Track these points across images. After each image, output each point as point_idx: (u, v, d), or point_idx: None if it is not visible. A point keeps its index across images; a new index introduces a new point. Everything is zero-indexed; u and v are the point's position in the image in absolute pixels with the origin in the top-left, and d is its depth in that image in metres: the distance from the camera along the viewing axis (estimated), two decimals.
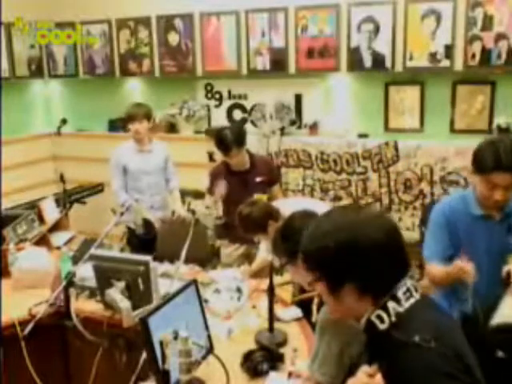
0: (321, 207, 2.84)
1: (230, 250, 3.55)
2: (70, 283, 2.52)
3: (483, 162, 2.24)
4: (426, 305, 1.33)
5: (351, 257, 1.26)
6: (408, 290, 1.30)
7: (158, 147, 4.11)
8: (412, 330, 1.23)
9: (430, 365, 1.19)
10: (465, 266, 2.16)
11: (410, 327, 1.24)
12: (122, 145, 4.10)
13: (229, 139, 3.33)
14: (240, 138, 3.38)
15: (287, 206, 2.85)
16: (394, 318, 1.27)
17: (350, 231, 1.28)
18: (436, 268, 2.35)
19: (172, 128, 5.44)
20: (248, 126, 5.07)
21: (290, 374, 2.02)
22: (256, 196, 3.32)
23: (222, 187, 3.44)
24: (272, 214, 2.88)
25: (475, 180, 2.30)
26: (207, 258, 3.56)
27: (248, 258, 3.45)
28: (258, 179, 3.49)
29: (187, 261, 2.87)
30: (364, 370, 1.30)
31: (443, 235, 2.35)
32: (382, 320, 1.27)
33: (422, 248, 2.47)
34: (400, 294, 1.28)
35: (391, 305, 1.27)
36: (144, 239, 3.83)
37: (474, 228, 2.31)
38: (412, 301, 1.29)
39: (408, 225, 4.59)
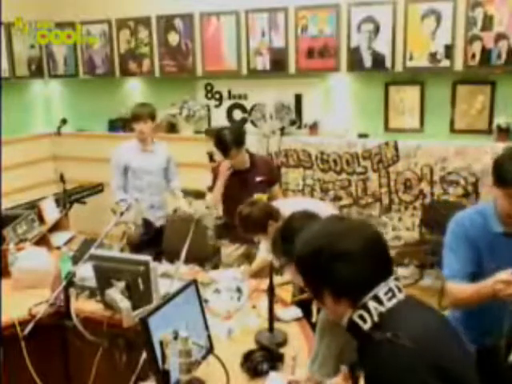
0: (321, 207, 2.85)
1: (230, 250, 3.55)
2: (70, 283, 2.52)
3: (505, 175, 1.96)
4: (411, 305, 1.34)
5: (325, 264, 1.31)
6: (390, 290, 1.31)
7: (159, 147, 4.11)
8: (391, 329, 1.24)
9: (402, 363, 1.20)
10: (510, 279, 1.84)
11: (390, 326, 1.25)
12: (123, 144, 4.09)
13: (228, 139, 3.33)
14: (239, 139, 3.38)
15: (287, 206, 2.85)
16: (376, 318, 1.28)
17: (326, 240, 1.34)
18: (461, 287, 2.08)
19: (172, 128, 5.44)
20: (248, 126, 5.07)
21: (290, 383, 2.01)
22: (256, 196, 3.32)
23: (225, 166, 3.46)
24: (272, 214, 2.88)
25: (496, 193, 2.03)
26: (207, 258, 3.56)
27: (248, 257, 3.45)
28: (258, 179, 3.49)
29: (187, 261, 2.87)
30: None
31: (465, 251, 2.12)
32: (364, 320, 1.29)
33: (442, 266, 2.25)
34: (381, 294, 1.30)
35: (372, 305, 1.29)
36: (144, 239, 3.82)
37: (496, 246, 2.07)
38: (394, 301, 1.30)
39: (408, 225, 4.59)
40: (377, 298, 1.29)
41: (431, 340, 1.27)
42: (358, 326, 1.30)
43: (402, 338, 1.21)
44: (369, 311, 1.29)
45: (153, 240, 3.88)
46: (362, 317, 1.30)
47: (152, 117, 3.98)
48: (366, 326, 1.29)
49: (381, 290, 1.30)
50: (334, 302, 1.34)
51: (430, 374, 1.20)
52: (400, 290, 1.33)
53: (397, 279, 1.36)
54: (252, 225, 2.88)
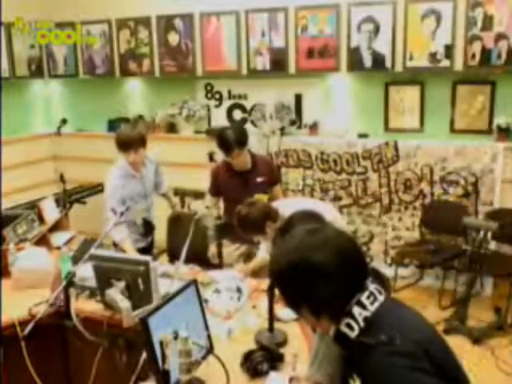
0: (320, 207, 2.85)
1: (231, 250, 3.55)
2: (70, 283, 2.52)
3: None
4: (392, 305, 1.35)
5: (301, 279, 1.29)
6: (371, 293, 1.31)
7: (148, 165, 3.63)
8: (380, 331, 1.24)
9: (397, 363, 1.20)
10: None
11: (378, 329, 1.25)
12: (114, 175, 3.47)
13: (230, 139, 3.33)
14: (242, 139, 3.37)
15: (287, 206, 2.85)
16: (362, 324, 1.28)
17: (300, 254, 1.30)
18: None
19: (172, 128, 5.44)
20: (248, 126, 5.07)
21: (291, 380, 2.01)
22: (256, 196, 3.32)
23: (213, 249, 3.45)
24: (270, 215, 2.88)
25: None
26: (208, 258, 3.56)
27: (249, 257, 3.45)
28: (259, 179, 3.49)
29: (188, 261, 2.87)
30: None
31: None
32: (351, 328, 1.28)
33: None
34: (363, 298, 1.30)
35: (357, 310, 1.29)
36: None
37: None
38: (377, 304, 1.30)
39: (408, 225, 4.59)
40: (360, 303, 1.29)
41: (414, 331, 1.28)
42: (345, 335, 1.29)
43: (394, 339, 1.21)
44: (354, 318, 1.28)
45: (153, 241, 3.85)
46: (348, 325, 1.29)
47: (143, 142, 3.40)
48: (353, 334, 1.28)
49: (363, 295, 1.30)
50: (314, 318, 1.33)
51: (420, 363, 1.22)
52: (380, 293, 1.33)
53: (373, 281, 1.36)
54: (250, 225, 2.89)
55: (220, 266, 3.42)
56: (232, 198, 3.38)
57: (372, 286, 1.32)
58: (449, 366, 1.30)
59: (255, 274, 3.12)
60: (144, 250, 3.55)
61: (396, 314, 1.33)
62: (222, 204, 3.68)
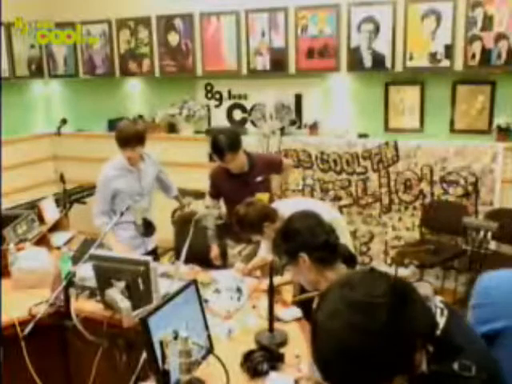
0: (320, 207, 2.85)
1: (236, 251, 3.54)
2: (70, 283, 2.52)
3: None
4: (454, 317, 1.19)
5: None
6: (441, 310, 1.17)
7: (148, 163, 3.57)
8: (452, 354, 1.10)
9: None
10: None
11: (449, 352, 1.10)
12: (108, 167, 3.47)
13: (222, 144, 3.26)
14: (234, 143, 3.29)
15: (287, 206, 2.85)
16: (431, 348, 1.10)
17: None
18: None
19: (172, 128, 5.44)
20: (248, 126, 5.08)
21: (296, 381, 2.00)
22: (257, 195, 3.31)
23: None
24: (268, 216, 2.87)
25: None
26: (211, 260, 3.55)
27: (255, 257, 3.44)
28: (259, 179, 3.47)
29: (189, 261, 2.87)
30: None
31: None
32: (427, 351, 1.10)
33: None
34: (438, 318, 1.14)
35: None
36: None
37: None
38: (444, 319, 1.15)
39: (408, 225, 4.59)
40: (436, 324, 1.14)
41: (482, 351, 1.16)
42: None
43: (469, 368, 1.07)
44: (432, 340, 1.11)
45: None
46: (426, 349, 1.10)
47: (141, 140, 3.35)
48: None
49: (437, 315, 1.15)
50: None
51: None
52: (445, 305, 1.19)
53: (435, 292, 1.23)
54: (248, 226, 2.88)
55: (224, 267, 3.41)
56: (232, 199, 3.37)
57: (437, 300, 1.19)
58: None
59: (255, 271, 3.12)
60: (149, 253, 3.45)
61: (462, 330, 1.17)
62: (223, 205, 3.67)
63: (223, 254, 3.56)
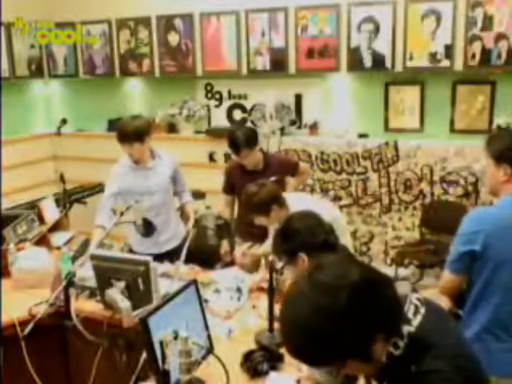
0: (322, 207, 2.84)
1: (244, 248, 3.52)
2: (70, 283, 2.52)
3: None
4: (431, 313, 1.25)
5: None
6: (416, 307, 1.23)
7: (161, 162, 3.41)
8: (424, 350, 1.17)
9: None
10: None
11: (423, 348, 1.18)
12: (115, 166, 3.40)
13: (239, 140, 3.36)
14: (250, 140, 3.39)
15: (294, 200, 2.85)
16: (406, 340, 1.18)
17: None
18: None
19: (172, 128, 5.44)
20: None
21: (298, 382, 2.00)
22: None
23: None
24: (278, 199, 2.84)
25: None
26: (210, 258, 3.55)
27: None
28: (273, 178, 3.48)
29: (189, 261, 2.86)
30: None
31: None
32: (397, 346, 1.18)
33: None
34: (410, 314, 1.21)
35: (405, 328, 1.19)
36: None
37: None
38: (419, 317, 1.21)
39: (408, 225, 4.59)
40: (407, 320, 1.20)
41: (459, 346, 1.22)
42: (391, 353, 1.18)
43: (446, 365, 1.14)
44: (402, 336, 1.18)
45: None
46: (395, 344, 1.18)
47: (139, 137, 3.19)
48: (398, 352, 1.18)
49: (409, 311, 1.21)
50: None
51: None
52: (422, 303, 1.24)
53: (414, 290, 1.27)
54: (256, 205, 2.84)
55: (232, 263, 3.41)
56: None
57: (414, 297, 1.23)
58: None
59: (254, 268, 3.12)
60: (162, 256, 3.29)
61: (439, 325, 1.24)
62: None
63: (231, 251, 3.58)
